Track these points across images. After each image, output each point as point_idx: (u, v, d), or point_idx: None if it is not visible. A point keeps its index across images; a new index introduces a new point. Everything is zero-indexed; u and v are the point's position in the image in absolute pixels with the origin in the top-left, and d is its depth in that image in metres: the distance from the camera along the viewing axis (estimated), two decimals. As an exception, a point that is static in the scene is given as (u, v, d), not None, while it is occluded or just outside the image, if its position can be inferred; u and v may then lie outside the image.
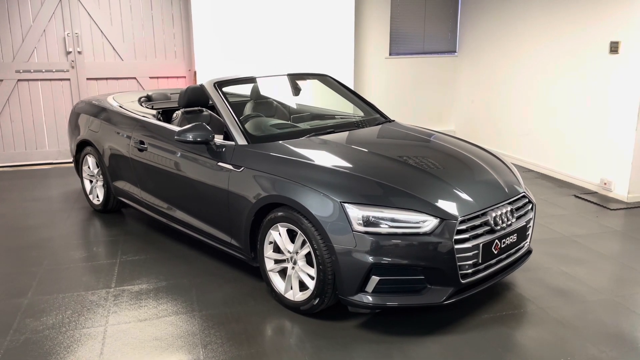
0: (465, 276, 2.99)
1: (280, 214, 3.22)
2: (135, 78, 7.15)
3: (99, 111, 4.91)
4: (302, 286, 3.23)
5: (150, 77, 7.19)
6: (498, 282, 3.47)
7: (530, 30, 6.61)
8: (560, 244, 4.35)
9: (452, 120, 8.41)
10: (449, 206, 2.99)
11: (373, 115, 4.45)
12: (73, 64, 6.88)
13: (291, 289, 3.28)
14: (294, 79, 4.76)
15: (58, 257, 4.14)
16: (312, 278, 3.14)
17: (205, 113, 4.63)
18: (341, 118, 4.47)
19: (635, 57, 5.19)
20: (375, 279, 2.90)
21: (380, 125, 4.26)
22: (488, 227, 3.07)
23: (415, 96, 8.19)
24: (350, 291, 2.96)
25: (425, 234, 2.89)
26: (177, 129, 4.02)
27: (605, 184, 5.62)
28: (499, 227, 3.11)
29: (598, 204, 5.36)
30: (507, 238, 3.18)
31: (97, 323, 3.18)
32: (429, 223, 2.91)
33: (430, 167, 3.37)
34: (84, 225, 4.85)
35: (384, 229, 2.89)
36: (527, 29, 6.66)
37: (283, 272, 3.38)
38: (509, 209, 3.21)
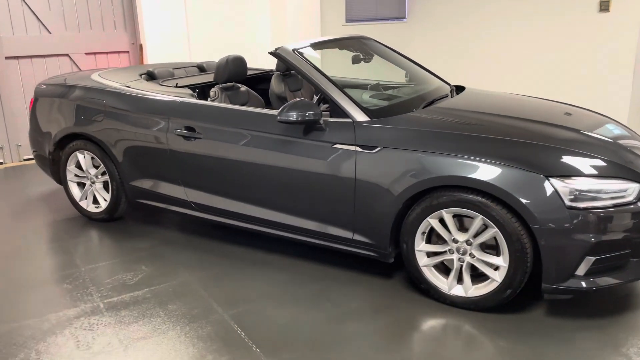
0: (656, 244, 2.80)
1: (445, 198, 2.73)
2: (67, 55, 5.86)
3: (96, 95, 3.84)
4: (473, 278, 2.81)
5: (87, 53, 5.95)
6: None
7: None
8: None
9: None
10: (638, 168, 2.75)
11: (439, 83, 3.98)
12: (-14, 39, 5.43)
13: (458, 283, 2.84)
14: (334, 45, 4.12)
15: (107, 282, 3.17)
16: (495, 268, 2.73)
17: (242, 89, 3.89)
18: (415, 86, 3.92)
19: (628, 15, 5.39)
20: (590, 260, 2.57)
21: (468, 91, 3.81)
22: (660, 189, 2.90)
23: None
24: (561, 277, 2.60)
25: (632, 202, 2.62)
26: (255, 110, 3.31)
27: (597, 139, 5.85)
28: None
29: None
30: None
31: (250, 355, 2.46)
32: (632, 190, 2.63)
33: (584, 128, 3.08)
34: (99, 239, 3.82)
35: (595, 202, 2.56)
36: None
37: (436, 266, 2.92)
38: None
